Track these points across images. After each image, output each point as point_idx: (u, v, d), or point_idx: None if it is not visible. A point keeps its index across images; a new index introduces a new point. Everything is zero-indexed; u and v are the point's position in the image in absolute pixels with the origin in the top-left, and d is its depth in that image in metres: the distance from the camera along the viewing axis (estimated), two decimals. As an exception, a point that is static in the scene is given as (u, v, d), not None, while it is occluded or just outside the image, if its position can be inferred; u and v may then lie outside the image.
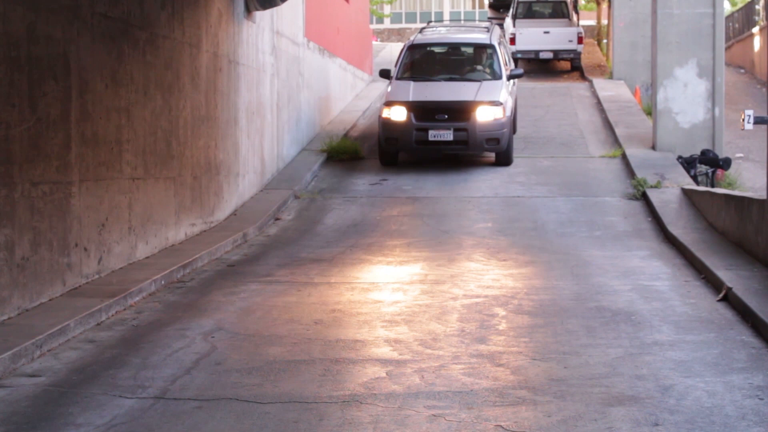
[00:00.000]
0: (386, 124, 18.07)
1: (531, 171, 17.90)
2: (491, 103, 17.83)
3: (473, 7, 72.06)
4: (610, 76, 28.46)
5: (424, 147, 17.97)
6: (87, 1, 9.81)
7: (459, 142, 17.79)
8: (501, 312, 9.13)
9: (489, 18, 41.35)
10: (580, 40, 30.84)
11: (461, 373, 7.32)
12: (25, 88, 8.54)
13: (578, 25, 32.31)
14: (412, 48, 19.90)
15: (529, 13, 33.04)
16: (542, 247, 12.50)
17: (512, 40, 30.71)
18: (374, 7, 48.32)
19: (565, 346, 8.05)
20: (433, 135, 17.72)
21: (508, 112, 18.16)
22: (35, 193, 8.66)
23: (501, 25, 25.23)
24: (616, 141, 19.88)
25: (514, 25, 31.45)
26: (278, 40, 17.88)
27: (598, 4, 39.98)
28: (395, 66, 19.57)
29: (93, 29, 9.94)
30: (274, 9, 17.28)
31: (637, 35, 27.52)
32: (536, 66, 31.98)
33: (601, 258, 11.72)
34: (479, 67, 19.59)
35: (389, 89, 18.86)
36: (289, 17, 18.70)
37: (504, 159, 18.51)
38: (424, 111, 17.85)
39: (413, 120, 17.72)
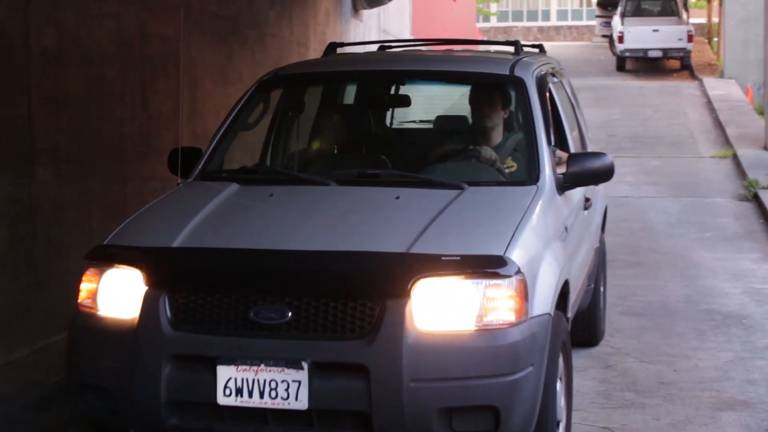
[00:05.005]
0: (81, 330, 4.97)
1: (639, 171, 17.66)
2: (473, 273, 4.62)
3: (580, 5, 71.44)
4: (721, 75, 27.94)
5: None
6: (198, 0, 9.94)
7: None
8: (609, 313, 9.04)
9: (597, 16, 40.96)
10: (690, 39, 30.32)
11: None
12: (137, 87, 8.68)
13: (688, 23, 31.75)
14: (294, 82, 6.92)
15: (638, 11, 32.56)
16: (651, 247, 12.34)
17: (620, 39, 30.33)
18: (481, 6, 48.18)
19: (674, 348, 7.94)
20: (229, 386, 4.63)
21: (543, 311, 4.83)
22: (146, 189, 8.80)
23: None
24: (726, 141, 19.51)
25: (622, 23, 31.04)
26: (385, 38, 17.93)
27: (709, 1, 39.32)
28: (216, 137, 6.30)
29: (203, 28, 10.07)
30: (381, 7, 17.34)
31: (749, 33, 26.91)
32: (645, 65, 31.56)
33: (712, 260, 11.52)
34: (474, 147, 6.17)
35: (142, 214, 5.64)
36: (395, 16, 18.74)
37: None
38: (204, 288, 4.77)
39: (163, 325, 4.70)
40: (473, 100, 6.50)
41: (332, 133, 6.92)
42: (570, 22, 67.82)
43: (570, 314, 5.90)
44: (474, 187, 5.47)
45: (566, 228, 5.79)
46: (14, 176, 6.92)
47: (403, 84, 7.45)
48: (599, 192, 7.81)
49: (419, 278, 4.55)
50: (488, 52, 8.64)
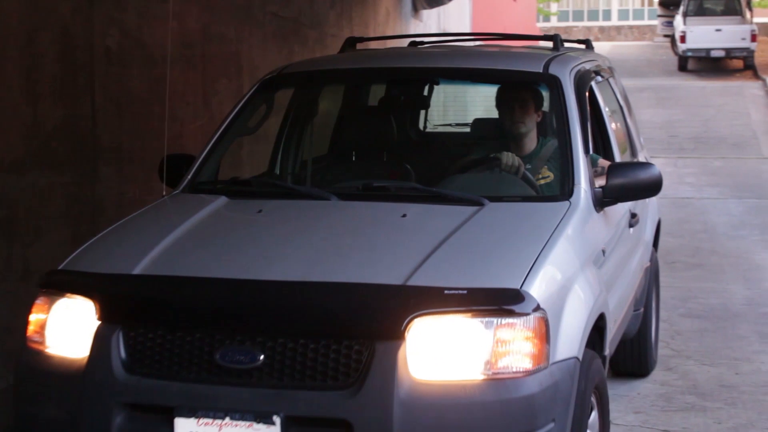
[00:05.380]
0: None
1: (701, 172, 17.49)
2: (477, 311, 3.92)
3: (642, 4, 70.96)
4: (785, 75, 27.60)
5: None
6: (259, 0, 10.00)
7: None
8: (670, 315, 8.97)
9: (658, 16, 40.62)
10: (753, 38, 29.96)
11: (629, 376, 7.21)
12: (198, 87, 8.74)
13: (752, 22, 31.39)
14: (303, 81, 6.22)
15: (701, 11, 32.22)
16: (712, 249, 12.22)
17: (682, 38, 30.05)
18: (541, 6, 47.98)
19: (736, 351, 7.86)
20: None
21: (568, 354, 4.15)
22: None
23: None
24: (790, 142, 19.28)
25: (684, 23, 30.76)
26: (445, 38, 17.92)
27: (773, 0, 38.86)
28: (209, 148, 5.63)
29: (264, 28, 10.12)
30: (441, 7, 17.33)
31: (814, 33, 26.58)
32: (707, 65, 31.25)
33: (775, 262, 11.39)
34: (497, 154, 5.47)
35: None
36: (455, 16, 18.72)
37: None
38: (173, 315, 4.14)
39: (115, 367, 4.04)
40: (503, 101, 5.77)
41: (348, 139, 6.41)
42: (631, 22, 67.33)
43: (608, 351, 5.07)
44: (496, 203, 4.76)
45: (604, 251, 5.05)
46: (78, 175, 7.01)
47: (424, 83, 6.88)
48: (650, 204, 7.07)
49: (416, 316, 3.81)
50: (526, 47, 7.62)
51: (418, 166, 5.60)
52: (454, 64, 6.16)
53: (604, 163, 5.57)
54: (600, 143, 6.02)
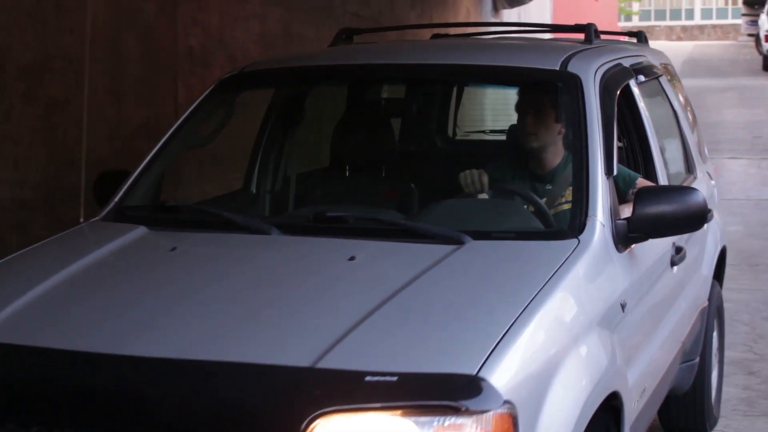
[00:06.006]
0: None
1: (785, 173, 17.23)
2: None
3: (725, 3, 70.01)
4: None
5: None
6: (340, 1, 10.05)
7: None
8: (752, 318, 8.85)
9: (743, 15, 40.13)
10: (840, 37, 29.47)
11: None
12: (279, 86, 8.81)
13: (839, 20, 30.88)
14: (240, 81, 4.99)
15: (787, 9, 31.82)
16: (797, 252, 12.04)
17: (767, 38, 29.63)
18: (623, 5, 47.61)
19: (821, 356, 7.73)
20: None
21: None
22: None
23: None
24: None
25: (769, 22, 30.35)
26: (525, 38, 17.89)
27: None
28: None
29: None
30: (522, 7, 17.28)
31: None
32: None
33: None
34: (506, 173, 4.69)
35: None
36: (536, 15, 18.67)
37: None
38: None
39: None
40: (518, 106, 4.71)
41: (340, 150, 5.34)
42: (714, 21, 66.51)
43: None
44: (481, 240, 3.68)
45: (623, 305, 3.83)
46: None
47: (414, 84, 5.76)
48: (709, 230, 5.69)
49: (320, 414, 2.72)
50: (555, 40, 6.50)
51: (429, 183, 4.74)
52: (448, 60, 4.92)
53: (644, 184, 4.61)
54: (641, 158, 4.93)
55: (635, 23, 61.37)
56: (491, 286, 3.40)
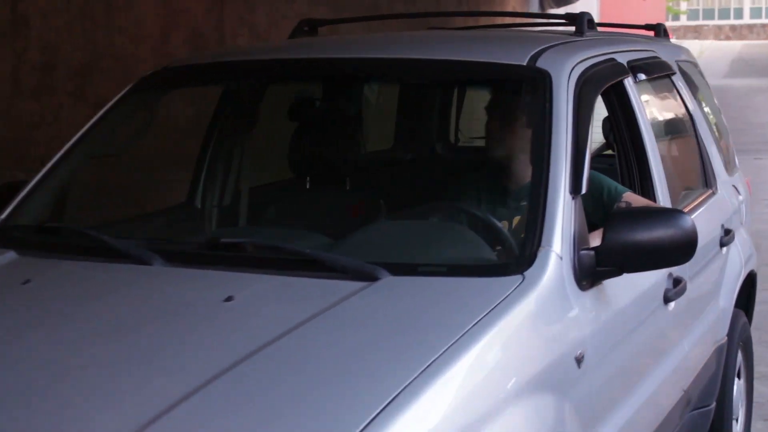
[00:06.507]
0: None
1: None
2: None
3: (775, 2, 69.34)
4: None
5: None
6: (386, 0, 10.06)
7: None
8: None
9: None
10: None
11: (760, 384, 7.07)
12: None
13: None
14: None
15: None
16: None
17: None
18: (670, 4, 47.29)
19: None
20: None
21: None
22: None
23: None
24: None
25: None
26: (572, 38, 17.84)
27: None
28: None
29: (390, 27, 10.17)
30: (568, 6, 17.24)
31: None
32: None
33: None
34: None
35: None
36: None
37: None
38: None
39: None
40: (486, 109, 4.06)
41: (300, 158, 4.60)
42: (764, 20, 65.92)
43: None
44: (400, 276, 2.95)
45: (579, 359, 2.97)
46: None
47: (363, 81, 4.85)
48: (733, 253, 4.92)
49: None
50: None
51: (401, 196, 4.15)
52: (396, 54, 4.09)
53: (634, 200, 3.88)
54: (635, 169, 4.07)
55: (683, 22, 60.99)
56: (391, 337, 2.64)
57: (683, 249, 3.19)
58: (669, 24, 45.58)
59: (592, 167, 3.50)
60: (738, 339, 4.97)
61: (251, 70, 4.25)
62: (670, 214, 3.21)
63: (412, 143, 5.48)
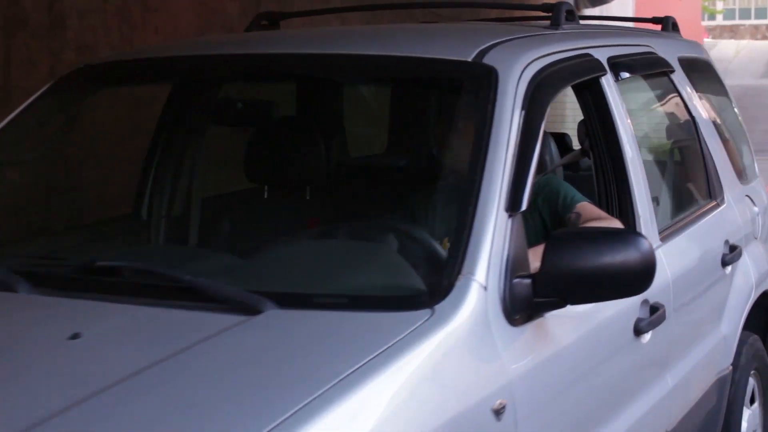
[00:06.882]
0: None
1: None
2: None
3: (813, 1, 68.76)
4: None
5: None
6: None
7: None
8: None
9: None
10: None
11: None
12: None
13: None
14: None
15: None
16: None
17: None
18: (706, 3, 47.02)
19: None
20: None
21: None
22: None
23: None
24: None
25: None
26: (606, 37, 17.79)
27: None
28: None
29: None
30: (604, 6, 17.17)
31: None
32: None
33: None
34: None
35: None
36: (618, 14, 18.53)
37: None
38: None
39: None
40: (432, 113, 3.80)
41: (256, 165, 3.98)
42: (801, 20, 65.37)
43: None
44: (289, 309, 2.54)
45: (498, 411, 2.50)
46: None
47: (290, 79, 4.28)
48: (739, 273, 4.43)
49: None
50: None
51: (367, 207, 3.81)
52: (327, 49, 3.62)
53: (586, 212, 3.51)
54: (612, 177, 3.57)
55: (719, 22, 60.62)
56: (245, 388, 2.21)
57: (638, 277, 2.73)
58: (705, 24, 45.36)
59: (565, 176, 3.17)
60: (749, 366, 4.49)
61: (164, 69, 3.84)
62: (623, 236, 2.77)
63: (367, 149, 5.00)
